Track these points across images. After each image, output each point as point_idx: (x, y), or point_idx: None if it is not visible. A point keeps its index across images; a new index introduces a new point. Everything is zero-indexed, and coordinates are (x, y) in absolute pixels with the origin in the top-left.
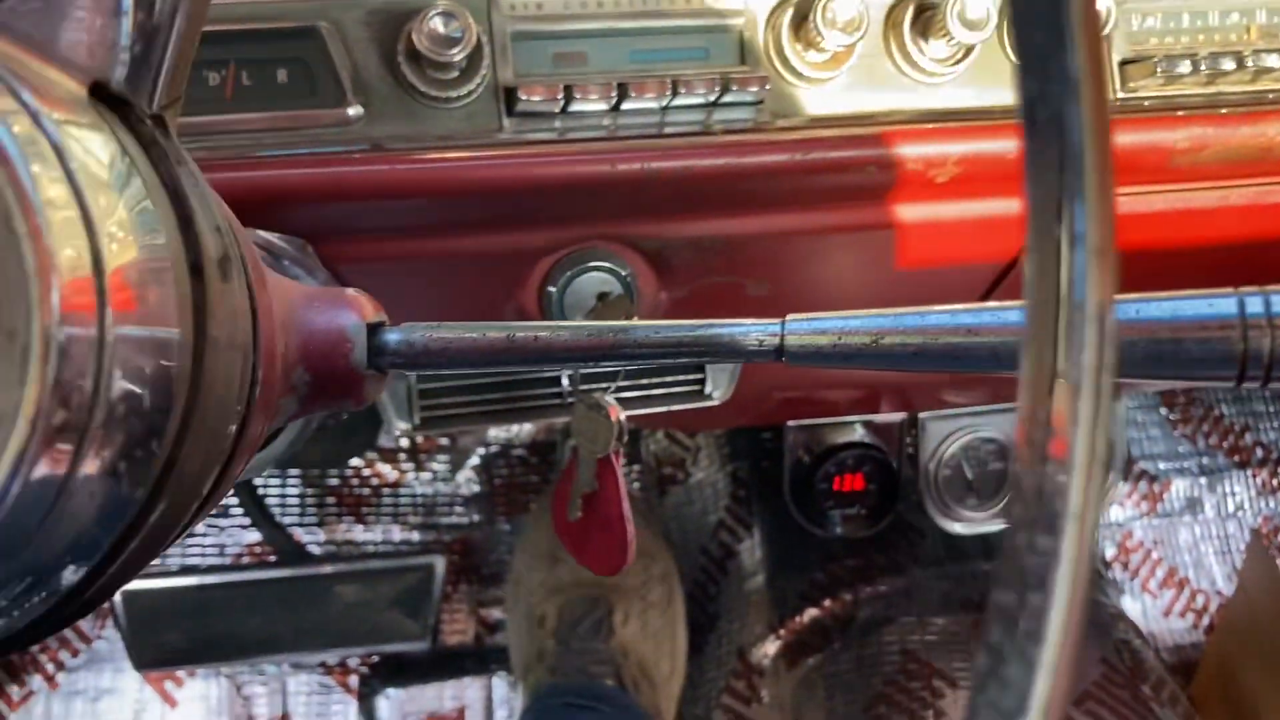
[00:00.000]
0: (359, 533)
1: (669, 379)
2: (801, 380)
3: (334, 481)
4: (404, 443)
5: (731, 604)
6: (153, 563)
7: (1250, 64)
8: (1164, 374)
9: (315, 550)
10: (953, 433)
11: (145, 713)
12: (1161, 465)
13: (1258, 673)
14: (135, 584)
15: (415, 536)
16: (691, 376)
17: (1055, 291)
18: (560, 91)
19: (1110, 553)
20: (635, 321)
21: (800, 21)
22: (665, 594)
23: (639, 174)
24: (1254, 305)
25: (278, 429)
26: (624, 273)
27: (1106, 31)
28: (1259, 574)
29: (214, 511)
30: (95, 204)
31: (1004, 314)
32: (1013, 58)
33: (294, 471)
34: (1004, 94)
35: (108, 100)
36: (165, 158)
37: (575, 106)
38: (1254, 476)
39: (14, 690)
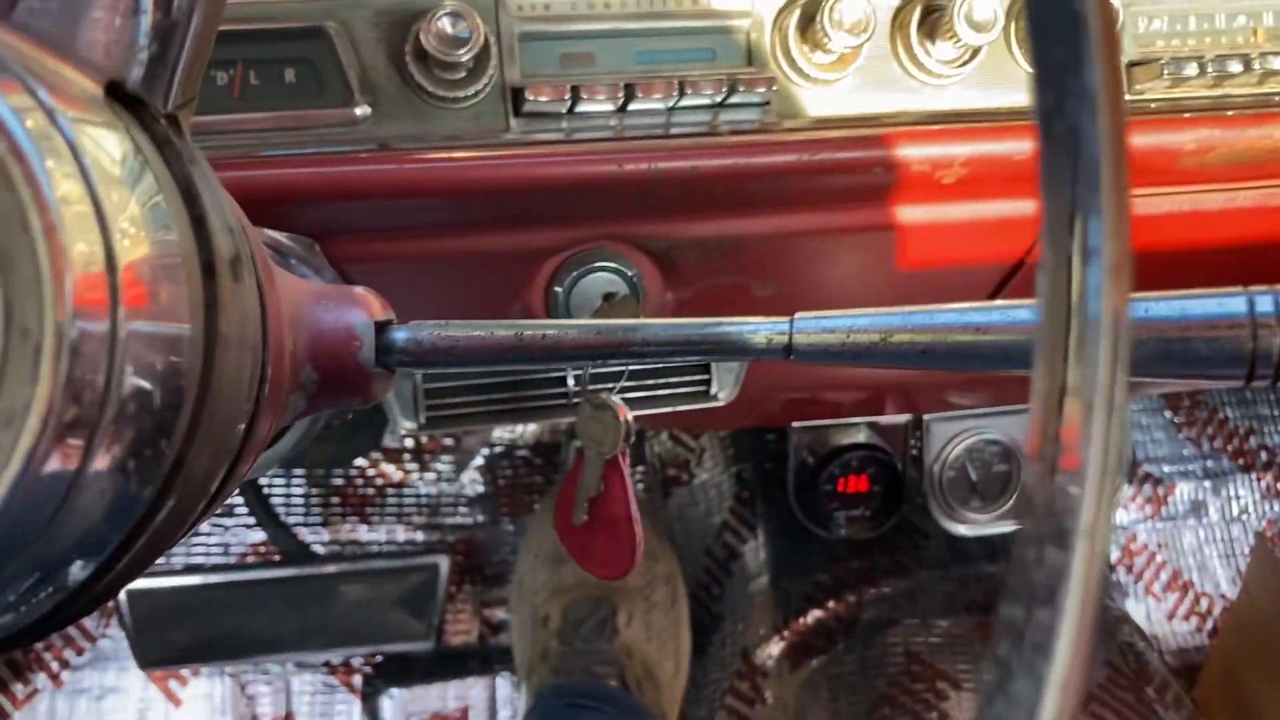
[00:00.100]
0: (363, 533)
1: (674, 379)
2: (807, 381)
3: (338, 481)
4: (408, 443)
5: (735, 605)
6: (157, 561)
7: (1257, 66)
8: (1172, 373)
9: (319, 550)
10: (957, 434)
11: (150, 711)
12: (1166, 468)
13: (1262, 676)
14: (140, 583)
15: (419, 537)
16: (697, 377)
17: (1068, 305)
18: (567, 92)
19: (1114, 555)
20: (643, 320)
21: (807, 23)
22: (669, 595)
23: (645, 174)
24: (1263, 304)
25: (284, 427)
26: (630, 273)
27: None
28: (1263, 577)
29: (219, 511)
30: (108, 201)
31: (1013, 313)
32: (1023, 63)
33: (298, 471)
34: (1011, 95)
35: (123, 99)
36: (179, 157)
37: (582, 107)
38: (1258, 480)
39: (19, 688)
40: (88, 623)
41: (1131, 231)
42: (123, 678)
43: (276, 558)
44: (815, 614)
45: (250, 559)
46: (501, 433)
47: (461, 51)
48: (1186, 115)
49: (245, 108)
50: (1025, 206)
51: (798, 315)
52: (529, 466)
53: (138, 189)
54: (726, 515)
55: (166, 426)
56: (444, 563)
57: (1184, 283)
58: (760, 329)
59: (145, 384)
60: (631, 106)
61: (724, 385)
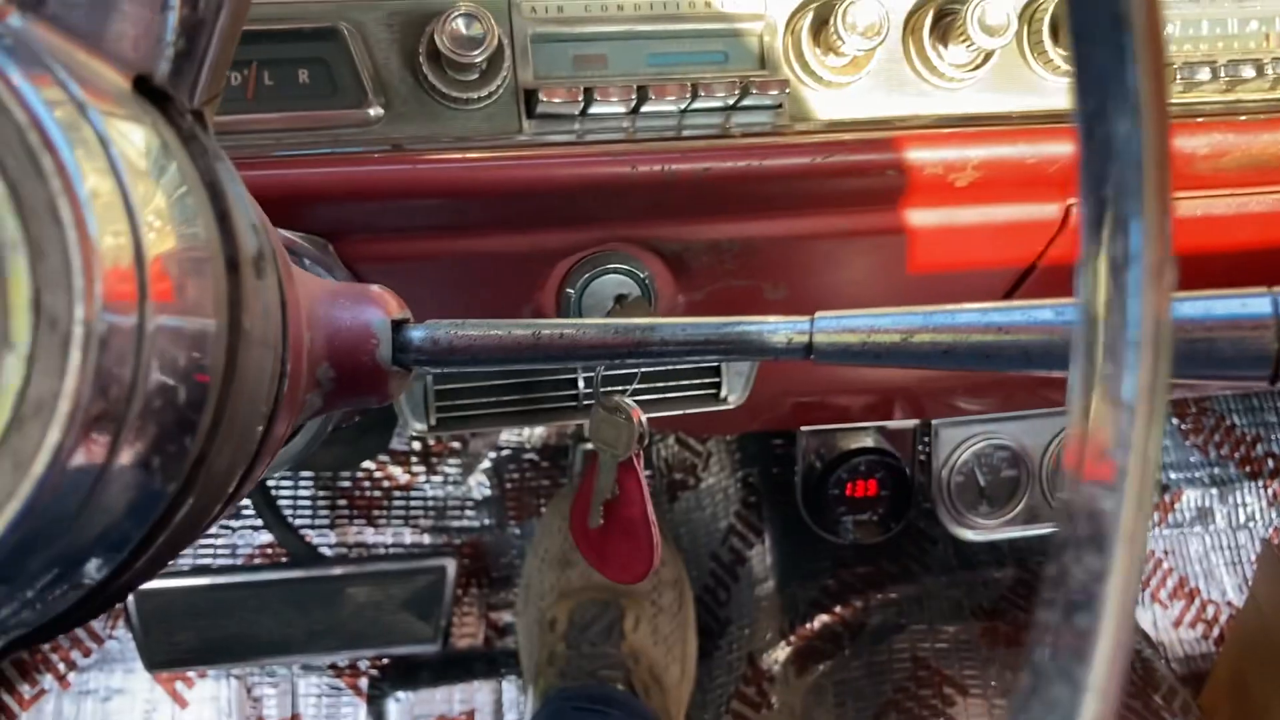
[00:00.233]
0: (370, 535)
1: (685, 382)
2: (816, 385)
3: (345, 484)
4: (416, 446)
5: (742, 609)
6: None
7: (1270, 71)
8: (1196, 373)
9: (326, 552)
10: (966, 439)
11: (155, 713)
12: (1173, 475)
13: (1269, 684)
14: (147, 584)
15: (426, 539)
16: (707, 380)
17: (1107, 312)
18: (580, 94)
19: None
20: (661, 319)
21: (820, 26)
22: (676, 599)
23: (658, 176)
24: None
25: (298, 427)
26: (642, 275)
27: None
28: (1270, 585)
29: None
30: (136, 193)
31: (1035, 312)
32: (1036, 67)
33: (306, 473)
34: (1024, 99)
35: (150, 94)
36: (204, 153)
37: (595, 109)
38: (1265, 487)
39: (25, 689)
40: (95, 624)
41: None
42: (129, 679)
43: (284, 560)
44: (822, 619)
45: (258, 561)
46: (509, 436)
47: (475, 53)
48: (1200, 120)
49: (259, 108)
50: (1038, 209)
51: (818, 314)
52: (536, 470)
53: (164, 183)
54: (733, 520)
55: (190, 423)
56: (451, 565)
57: (1198, 286)
58: (780, 328)
59: (170, 379)
60: (644, 109)
61: (734, 388)
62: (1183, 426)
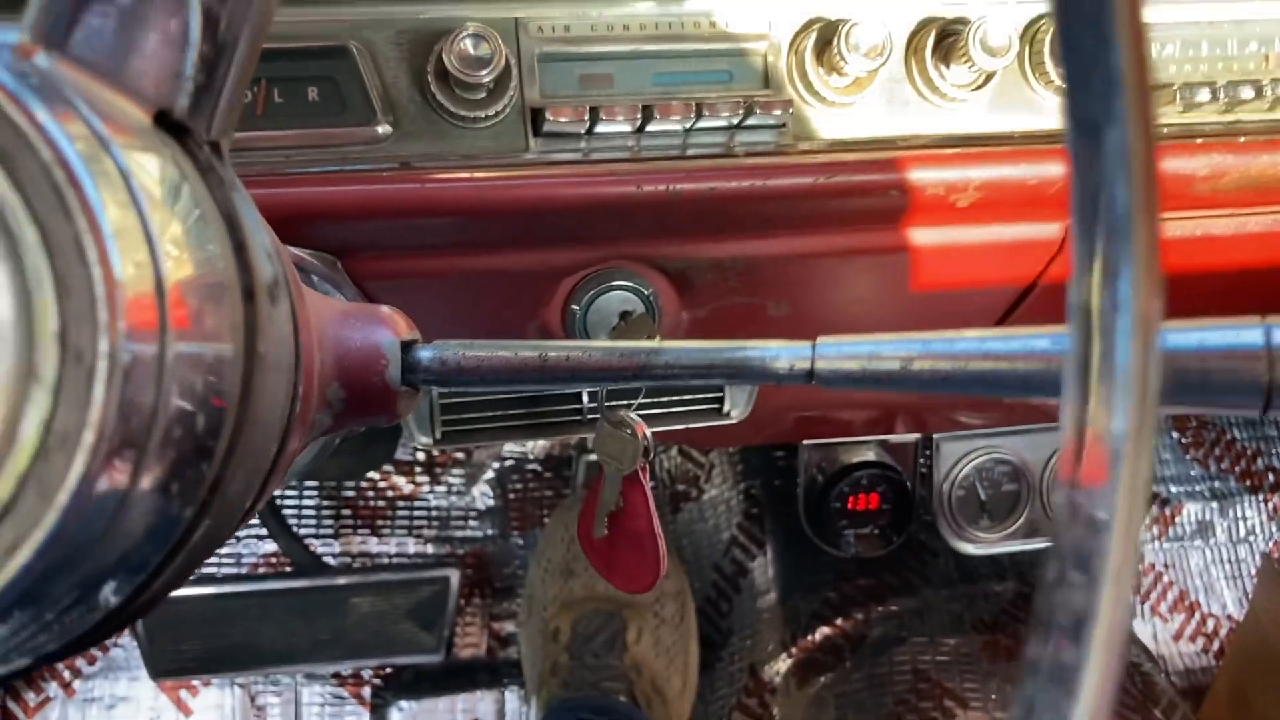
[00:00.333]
0: (374, 545)
1: (688, 397)
2: (819, 400)
3: (350, 493)
4: (419, 456)
5: (744, 621)
6: None
7: (1269, 92)
8: (1189, 402)
9: (331, 561)
10: (967, 454)
11: None
12: (1173, 489)
13: (1269, 697)
14: None
15: (429, 549)
16: (711, 395)
17: (1098, 350)
18: (586, 113)
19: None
20: (665, 343)
21: (824, 46)
22: (678, 610)
23: (663, 195)
24: None
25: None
26: (646, 292)
27: None
28: (1270, 599)
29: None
30: (156, 225)
31: (1033, 340)
32: (1037, 87)
33: (310, 483)
34: (1025, 118)
35: (169, 127)
36: (221, 183)
37: (601, 128)
38: (1265, 501)
39: (30, 696)
40: None
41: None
42: (134, 687)
43: (289, 569)
44: (823, 631)
45: (263, 570)
46: (512, 447)
47: (483, 73)
48: (1199, 140)
49: (269, 125)
50: (1039, 229)
51: (820, 340)
52: (539, 480)
53: (184, 215)
54: (735, 531)
55: (207, 448)
56: (454, 576)
57: (1196, 305)
58: (782, 354)
59: (189, 406)
60: (649, 128)
61: (737, 403)
62: (1183, 440)
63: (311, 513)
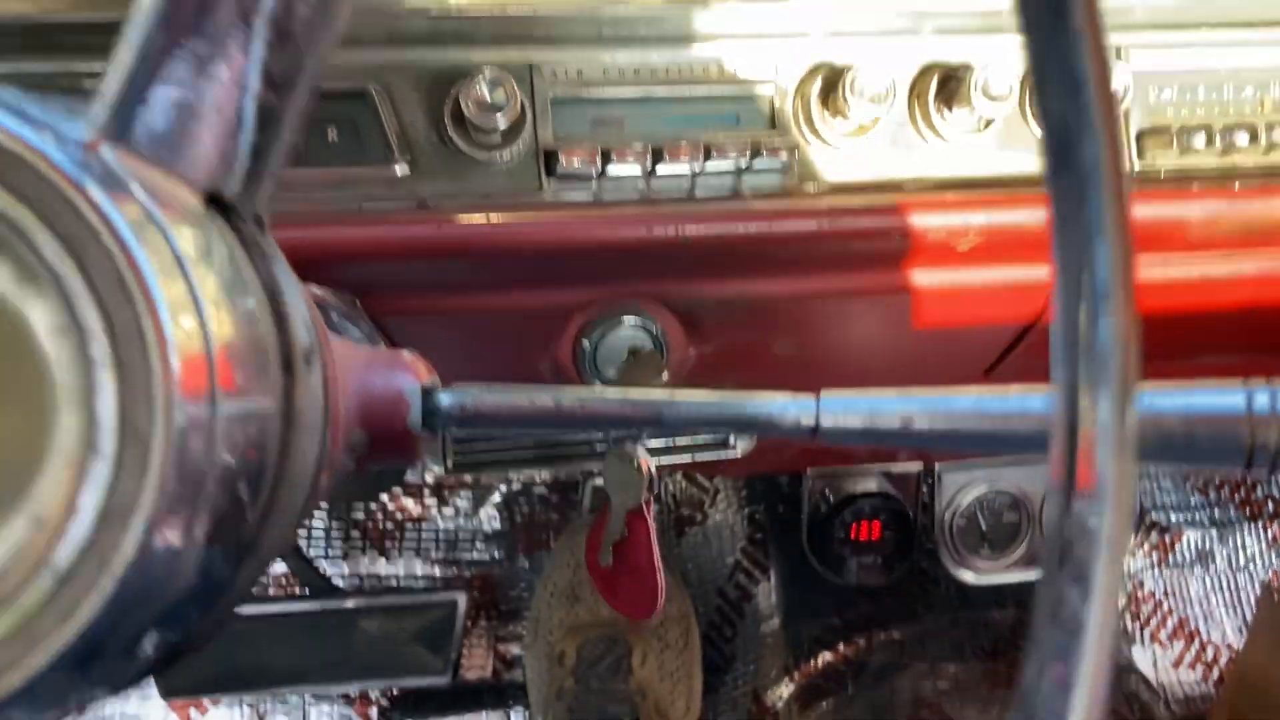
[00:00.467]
0: (382, 566)
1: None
2: None
3: (359, 515)
4: (428, 479)
5: (747, 646)
6: None
7: (1264, 138)
8: (1173, 460)
9: (339, 583)
10: (968, 483)
11: None
12: (1173, 516)
13: None
14: None
15: (437, 571)
16: None
17: (1079, 413)
18: (598, 156)
19: (1120, 602)
20: (678, 393)
21: (829, 91)
22: (682, 634)
23: (673, 238)
24: (1260, 400)
25: None
26: (655, 330)
27: (1125, 105)
28: (1270, 628)
29: None
30: (209, 305)
31: (1028, 400)
32: (1038, 131)
33: (320, 505)
34: (1026, 161)
35: (218, 206)
36: (264, 257)
37: (612, 169)
38: (1265, 529)
39: None
40: None
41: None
42: (144, 705)
43: (299, 591)
44: (826, 656)
45: (273, 592)
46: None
47: (498, 116)
48: (1195, 187)
49: (289, 164)
50: (1039, 272)
51: (824, 393)
52: (546, 504)
53: (232, 292)
54: (739, 556)
55: (248, 507)
56: (462, 599)
57: (1191, 344)
58: (789, 409)
59: (234, 472)
60: (659, 169)
61: (742, 438)
62: (1184, 468)
63: (321, 534)
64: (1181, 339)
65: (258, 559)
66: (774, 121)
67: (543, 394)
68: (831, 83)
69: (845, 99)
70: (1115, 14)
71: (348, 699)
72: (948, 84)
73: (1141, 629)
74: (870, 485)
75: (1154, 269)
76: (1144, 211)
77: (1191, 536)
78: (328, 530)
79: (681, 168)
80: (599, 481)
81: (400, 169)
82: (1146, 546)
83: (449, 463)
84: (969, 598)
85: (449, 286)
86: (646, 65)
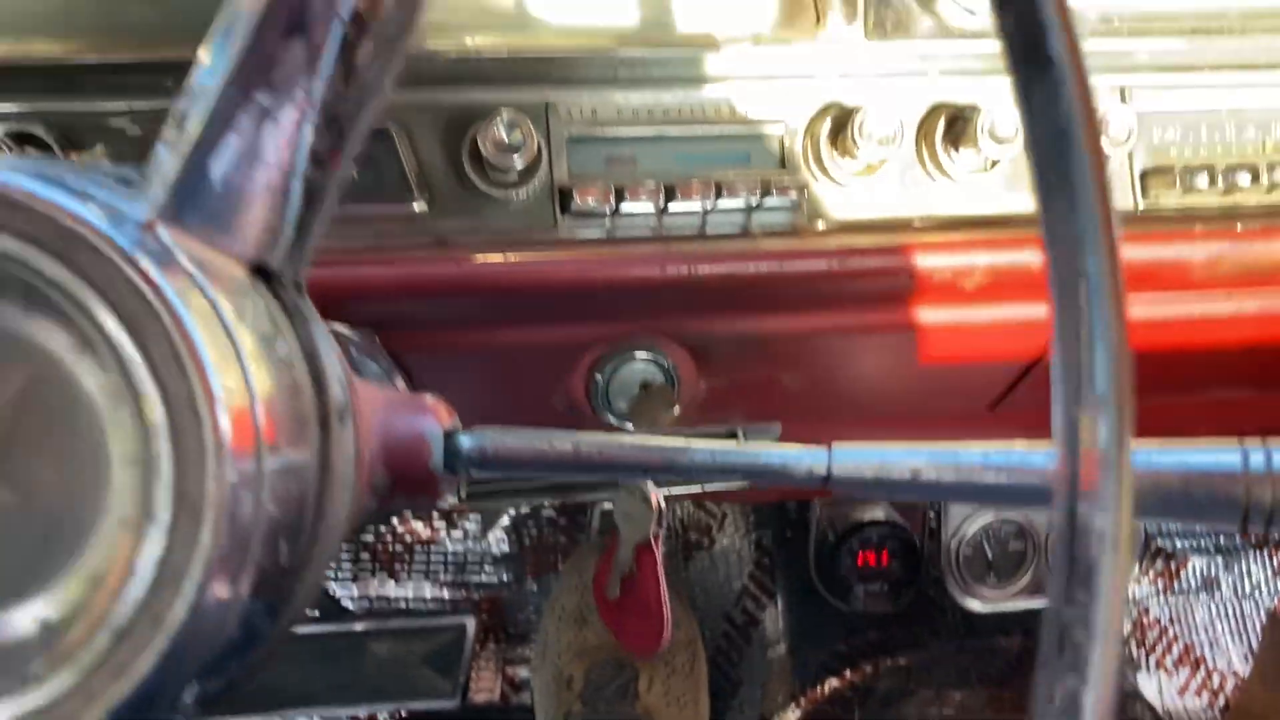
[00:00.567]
0: (391, 588)
1: None
2: None
3: (369, 537)
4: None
5: (754, 671)
6: None
7: (1265, 178)
8: (1171, 516)
9: (349, 605)
10: (974, 512)
11: None
12: (1178, 543)
13: None
14: None
15: (445, 594)
16: None
17: (1079, 479)
18: (611, 194)
19: (1126, 628)
20: (693, 442)
21: (838, 131)
22: (689, 659)
23: (685, 277)
24: (1256, 459)
25: None
26: (666, 364)
27: (1129, 146)
28: (1275, 655)
29: None
30: (254, 373)
31: (1030, 456)
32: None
33: None
34: (1030, 199)
35: (261, 274)
36: (304, 321)
37: (625, 207)
38: (1270, 557)
39: None
40: None
41: (1139, 327)
42: None
43: (310, 613)
44: (832, 683)
45: None
46: None
47: (515, 157)
48: (1198, 227)
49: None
50: (1043, 310)
51: (835, 445)
52: (554, 527)
53: (275, 356)
54: (746, 581)
55: (288, 566)
56: (471, 623)
57: (1195, 379)
58: (803, 459)
59: (276, 532)
60: (671, 207)
61: None
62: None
63: None
64: (1185, 374)
65: (293, 608)
66: (784, 161)
67: (562, 439)
68: (841, 123)
69: (854, 140)
70: (1119, 56)
71: None
72: (954, 125)
73: (1147, 656)
74: (877, 513)
75: (1158, 307)
76: (1149, 253)
77: (1197, 563)
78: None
79: (693, 205)
80: (607, 505)
81: (419, 206)
82: (1152, 573)
83: (462, 493)
84: (975, 625)
85: (465, 323)
86: (660, 105)
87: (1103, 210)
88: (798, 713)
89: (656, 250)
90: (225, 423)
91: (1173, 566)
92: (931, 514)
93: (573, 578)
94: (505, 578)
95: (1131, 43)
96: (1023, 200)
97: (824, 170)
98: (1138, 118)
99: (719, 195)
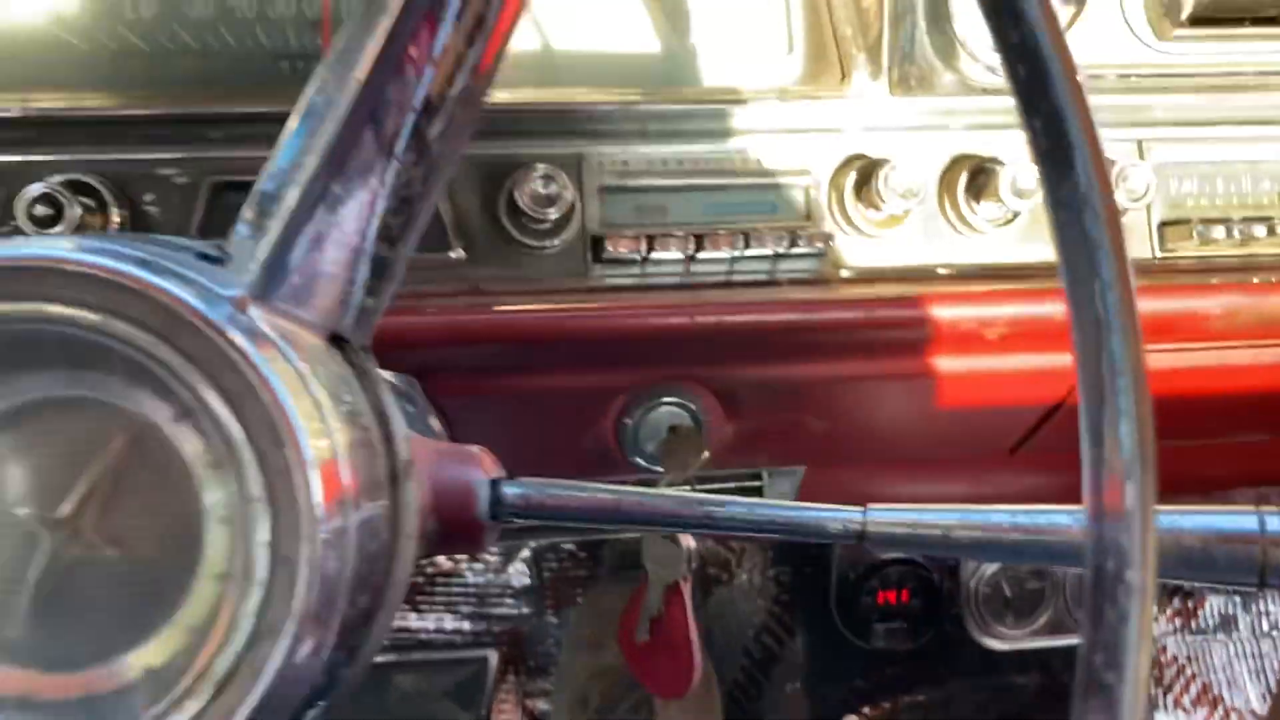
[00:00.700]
0: (413, 620)
1: None
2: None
3: None
4: None
5: (773, 706)
6: None
7: None
8: (1191, 576)
9: None
10: None
11: None
12: (1197, 582)
13: None
14: None
15: (466, 626)
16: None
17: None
18: (643, 243)
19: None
20: (731, 499)
21: (863, 183)
22: (704, 685)
23: (714, 326)
24: (1273, 523)
25: None
26: (694, 408)
27: (1148, 198)
28: None
29: None
30: (341, 437)
31: (1056, 517)
32: None
33: None
34: (1050, 250)
35: (334, 341)
36: (373, 383)
37: (655, 255)
38: None
39: None
40: None
41: (1159, 375)
42: None
43: None
44: (850, 719)
45: None
46: None
47: (551, 210)
48: (1215, 279)
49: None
50: (1065, 359)
51: (870, 507)
52: (574, 560)
53: (353, 418)
54: (765, 617)
55: (364, 611)
56: (493, 657)
57: (1211, 425)
58: (838, 516)
59: (356, 585)
60: (700, 255)
61: None
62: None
63: None
64: (1203, 420)
65: (367, 654)
66: (809, 211)
67: (604, 491)
68: (866, 176)
69: (879, 192)
70: (1136, 111)
71: None
72: (977, 177)
73: (1165, 694)
74: (897, 552)
75: (1178, 356)
76: (1168, 305)
77: (1214, 603)
78: None
79: (721, 254)
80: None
81: (456, 254)
82: (1169, 612)
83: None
84: (994, 663)
85: (500, 369)
86: (689, 156)
87: (1125, 294)
88: None
89: (686, 299)
90: (317, 485)
91: (1190, 605)
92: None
93: (591, 610)
94: (525, 610)
95: (1149, 99)
96: (1042, 251)
97: (849, 221)
98: (1155, 170)
99: (747, 244)
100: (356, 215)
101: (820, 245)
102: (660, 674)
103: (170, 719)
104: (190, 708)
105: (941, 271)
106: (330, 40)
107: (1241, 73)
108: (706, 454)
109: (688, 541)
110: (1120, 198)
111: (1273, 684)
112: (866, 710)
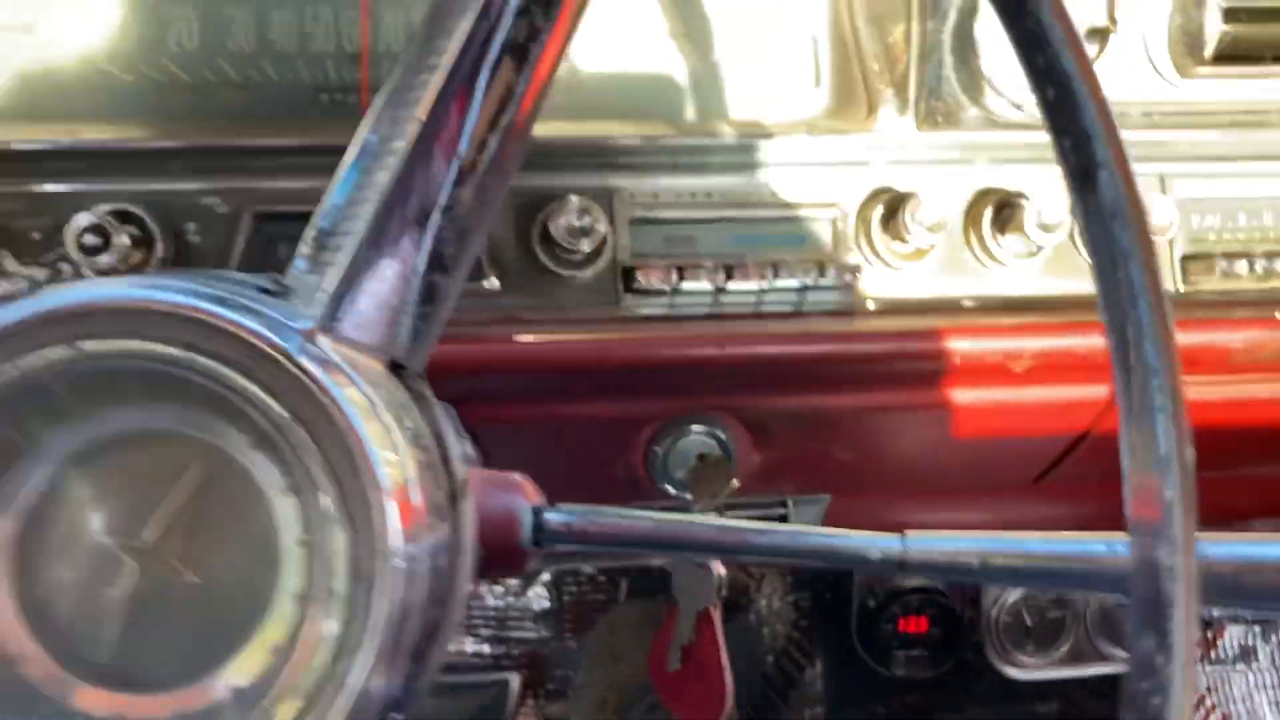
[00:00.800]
0: None
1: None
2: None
3: None
4: None
5: None
6: None
7: None
8: (1224, 603)
9: None
10: None
11: None
12: (1215, 612)
13: None
14: None
15: (486, 649)
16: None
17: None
18: (673, 274)
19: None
20: (770, 525)
21: (890, 216)
22: None
23: (743, 357)
24: None
25: None
26: (723, 437)
27: (1171, 232)
28: None
29: None
30: (410, 462)
31: (1090, 545)
32: (1087, 256)
33: None
34: (1075, 284)
35: (393, 368)
36: (430, 407)
37: (685, 285)
38: None
39: None
40: None
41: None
42: None
43: None
44: None
45: None
46: None
47: (584, 242)
48: (1238, 313)
49: None
50: (1090, 390)
51: (909, 534)
52: (593, 584)
53: (417, 441)
54: (785, 642)
55: (430, 629)
56: (514, 680)
57: (1232, 458)
58: (876, 544)
59: (426, 604)
60: (729, 286)
61: None
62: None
63: None
64: (1225, 453)
65: (432, 669)
66: (836, 243)
67: (645, 519)
68: (892, 209)
69: (905, 225)
70: (1158, 146)
71: None
72: (1002, 211)
73: None
74: (918, 580)
75: (1200, 389)
76: (1191, 339)
77: (1234, 632)
78: None
79: (750, 285)
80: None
81: (490, 284)
82: None
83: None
84: (1014, 691)
85: (534, 397)
86: (719, 189)
87: (1167, 349)
88: None
89: (715, 330)
90: (392, 505)
91: (1210, 635)
92: None
93: (608, 633)
94: (545, 634)
95: (1172, 134)
96: (1066, 284)
97: (875, 253)
98: (1178, 205)
99: (776, 275)
100: (413, 247)
101: (848, 277)
102: (692, 701)
103: None
104: None
105: (966, 304)
106: (368, 74)
107: (1264, 110)
108: (736, 482)
109: (718, 568)
110: None
111: None
112: None
